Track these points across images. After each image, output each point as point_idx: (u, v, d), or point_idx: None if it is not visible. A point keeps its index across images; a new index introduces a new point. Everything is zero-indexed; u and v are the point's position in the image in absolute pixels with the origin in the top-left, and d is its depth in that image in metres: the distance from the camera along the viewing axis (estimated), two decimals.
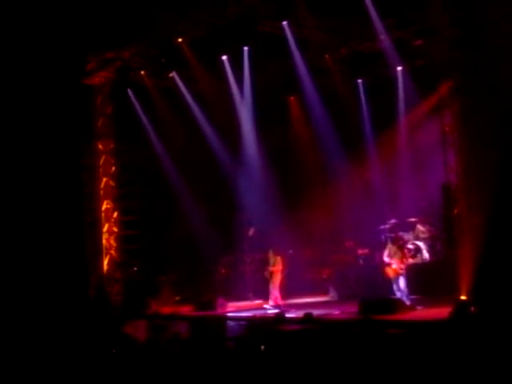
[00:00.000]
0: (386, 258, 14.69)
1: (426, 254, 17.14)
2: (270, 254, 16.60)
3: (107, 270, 18.31)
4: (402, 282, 14.25)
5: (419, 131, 18.35)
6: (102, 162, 18.55)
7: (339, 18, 15.90)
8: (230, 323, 14.22)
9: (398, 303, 13.74)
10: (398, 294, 14.25)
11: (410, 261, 15.28)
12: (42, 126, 17.20)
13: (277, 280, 16.19)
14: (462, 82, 13.80)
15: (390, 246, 14.89)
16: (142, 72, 18.34)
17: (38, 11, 15.88)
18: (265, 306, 15.90)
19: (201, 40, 16.53)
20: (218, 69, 18.15)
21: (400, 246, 14.84)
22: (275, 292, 16.11)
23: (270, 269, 16.33)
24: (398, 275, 14.31)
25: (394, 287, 14.37)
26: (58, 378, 8.80)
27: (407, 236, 17.37)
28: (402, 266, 14.30)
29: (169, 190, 19.64)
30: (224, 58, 17.92)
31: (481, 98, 13.19)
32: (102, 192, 18.53)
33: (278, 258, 16.33)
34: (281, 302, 16.11)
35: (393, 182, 18.83)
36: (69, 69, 17.24)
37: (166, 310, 16.48)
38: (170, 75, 18.62)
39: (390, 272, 14.42)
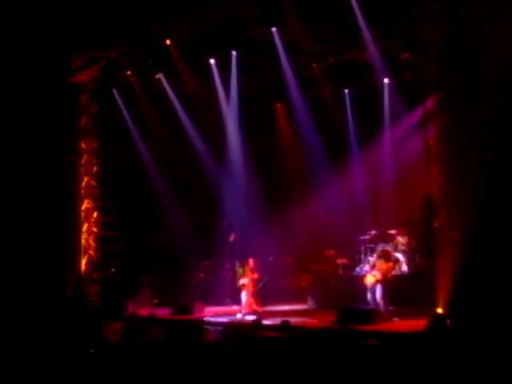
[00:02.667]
0: (367, 268, 14.68)
1: (404, 266, 17.20)
2: (237, 265, 16.62)
3: (85, 270, 18.17)
4: (378, 292, 14.17)
5: (403, 144, 18.44)
6: (83, 161, 18.43)
7: (328, 27, 15.95)
8: (207, 328, 14.15)
9: (375, 314, 13.73)
10: (371, 303, 14.20)
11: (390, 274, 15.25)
12: (24, 123, 17.04)
13: (249, 289, 16.11)
14: (448, 96, 13.89)
15: (372, 259, 14.94)
16: (128, 72, 18.27)
17: (24, 8, 15.76)
18: (238, 315, 15.80)
19: (189, 43, 16.49)
20: (206, 72, 18.13)
21: (387, 259, 14.83)
22: (249, 299, 16.04)
23: (239, 282, 16.30)
24: (376, 283, 14.22)
25: (369, 297, 14.29)
26: (34, 378, 8.71)
27: (387, 247, 17.41)
28: (384, 275, 14.28)
29: (150, 192, 19.55)
30: (212, 61, 17.90)
31: (466, 113, 13.27)
32: (82, 191, 18.41)
33: (246, 269, 16.22)
34: (257, 308, 16.05)
35: (375, 193, 18.91)
36: (54, 66, 17.10)
37: (143, 312, 16.37)
38: (157, 76, 18.56)
39: (369, 279, 14.34)
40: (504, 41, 12.48)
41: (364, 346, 9.80)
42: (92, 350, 10.07)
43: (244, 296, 16.05)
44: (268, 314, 16.07)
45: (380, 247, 17.07)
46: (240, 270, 16.46)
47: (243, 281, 16.12)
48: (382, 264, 14.45)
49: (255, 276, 16.28)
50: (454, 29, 13.12)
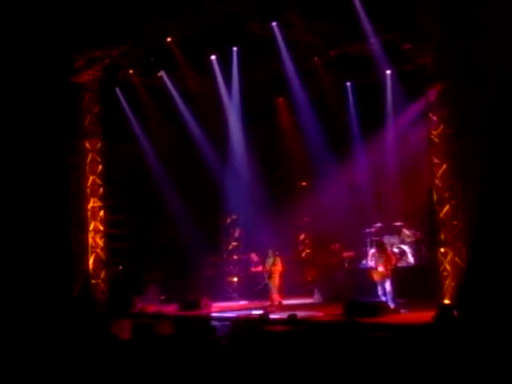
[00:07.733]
0: (371, 263, 14.78)
1: (411, 258, 17.22)
2: (270, 254, 16.30)
3: (93, 269, 18.26)
4: (388, 286, 14.32)
5: (407, 135, 18.42)
6: (88, 160, 18.49)
7: (329, 20, 15.89)
8: (215, 323, 14.20)
9: (382, 306, 13.78)
10: (383, 298, 14.31)
11: (394, 264, 15.31)
12: (28, 123, 17.10)
13: (276, 280, 16.02)
14: (450, 86, 13.88)
15: (374, 250, 15.01)
16: (131, 71, 18.28)
17: (27, 9, 15.79)
18: (267, 308, 15.76)
19: (190, 39, 16.48)
20: (207, 69, 18.13)
21: (383, 250, 14.91)
22: (276, 292, 16.02)
23: (268, 268, 16.10)
24: (384, 278, 14.37)
25: (379, 291, 14.41)
26: (42, 376, 8.76)
27: (393, 239, 17.44)
28: (389, 268, 14.36)
29: (155, 189, 19.59)
30: (213, 57, 17.90)
31: (468, 103, 13.26)
32: (88, 190, 18.46)
33: (277, 258, 16.07)
34: (280, 300, 16.02)
35: (379, 186, 18.89)
36: (57, 66, 17.14)
37: (151, 309, 16.46)
38: (159, 74, 18.56)
39: (376, 276, 14.49)
40: (506, 28, 12.45)
41: (372, 338, 9.83)
42: (98, 346, 10.11)
43: (272, 289, 15.94)
44: (275, 308, 16.12)
45: (386, 240, 17.10)
46: (271, 259, 16.16)
47: (272, 268, 15.90)
48: (381, 258, 14.53)
49: (259, 269, 16.28)
50: (455, 19, 13.10)
